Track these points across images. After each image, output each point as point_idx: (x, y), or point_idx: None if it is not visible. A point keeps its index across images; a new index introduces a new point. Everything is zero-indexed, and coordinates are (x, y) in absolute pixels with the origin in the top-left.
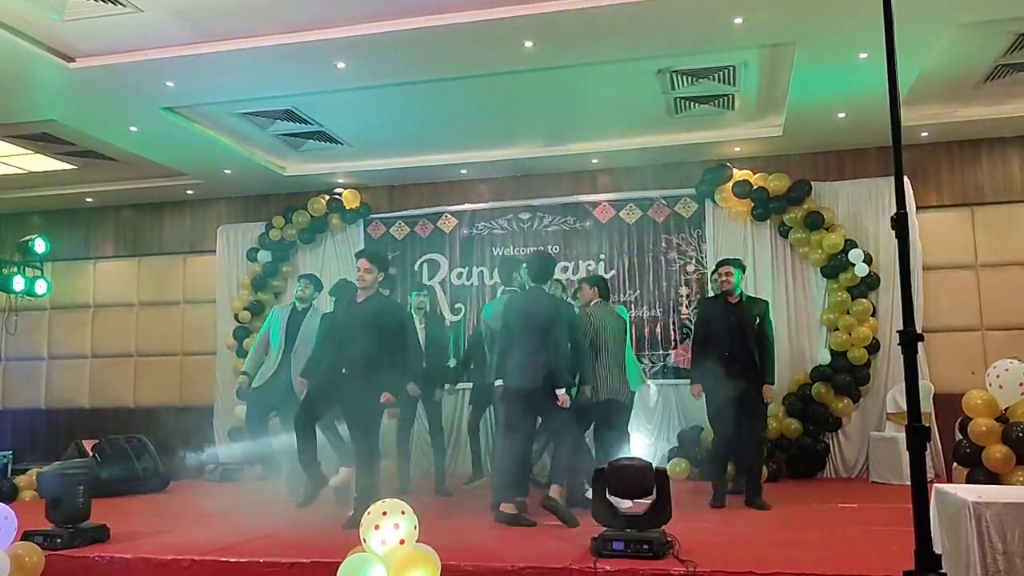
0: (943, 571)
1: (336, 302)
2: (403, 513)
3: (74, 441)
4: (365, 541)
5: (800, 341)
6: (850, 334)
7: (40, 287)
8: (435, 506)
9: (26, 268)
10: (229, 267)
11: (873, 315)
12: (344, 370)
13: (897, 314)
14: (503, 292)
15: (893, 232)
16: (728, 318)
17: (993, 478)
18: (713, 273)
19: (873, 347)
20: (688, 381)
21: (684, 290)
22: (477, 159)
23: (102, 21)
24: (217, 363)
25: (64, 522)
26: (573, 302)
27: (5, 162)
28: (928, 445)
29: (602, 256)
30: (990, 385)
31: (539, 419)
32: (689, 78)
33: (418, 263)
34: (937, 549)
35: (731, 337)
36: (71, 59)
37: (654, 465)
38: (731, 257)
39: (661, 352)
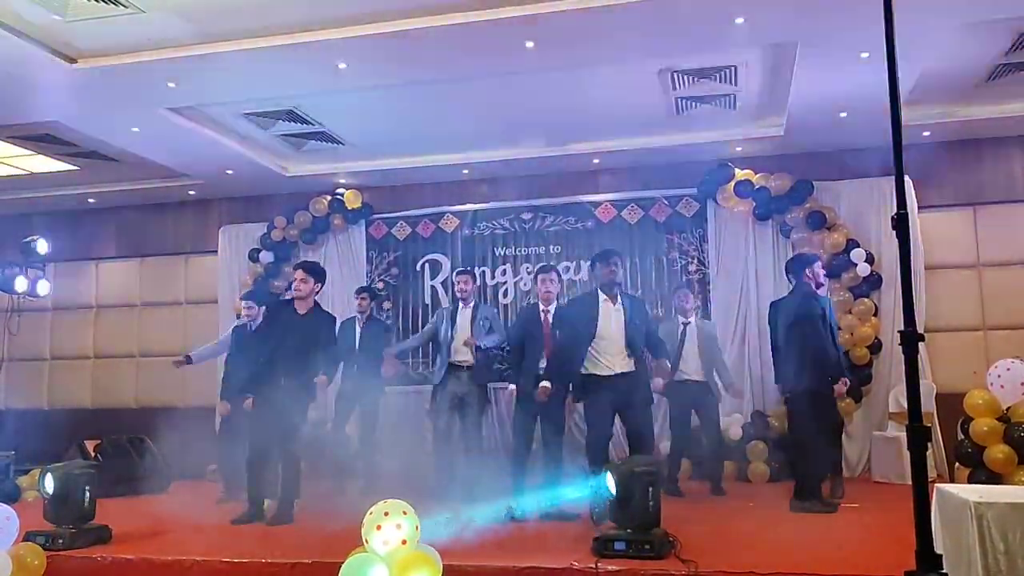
0: (944, 571)
1: (269, 315)
2: (405, 513)
3: (76, 442)
4: (367, 542)
5: None
6: (852, 334)
7: (42, 288)
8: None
9: (28, 269)
10: (231, 267)
11: (875, 315)
12: (283, 380)
13: (899, 314)
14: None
15: (894, 232)
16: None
17: (995, 478)
18: (806, 269)
19: (875, 347)
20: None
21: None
22: (479, 159)
23: (104, 22)
24: (219, 363)
25: (69, 522)
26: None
27: (7, 163)
28: (930, 445)
29: None
30: (991, 385)
31: None
32: (691, 78)
33: (420, 263)
34: (938, 549)
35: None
36: (73, 60)
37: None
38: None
39: None
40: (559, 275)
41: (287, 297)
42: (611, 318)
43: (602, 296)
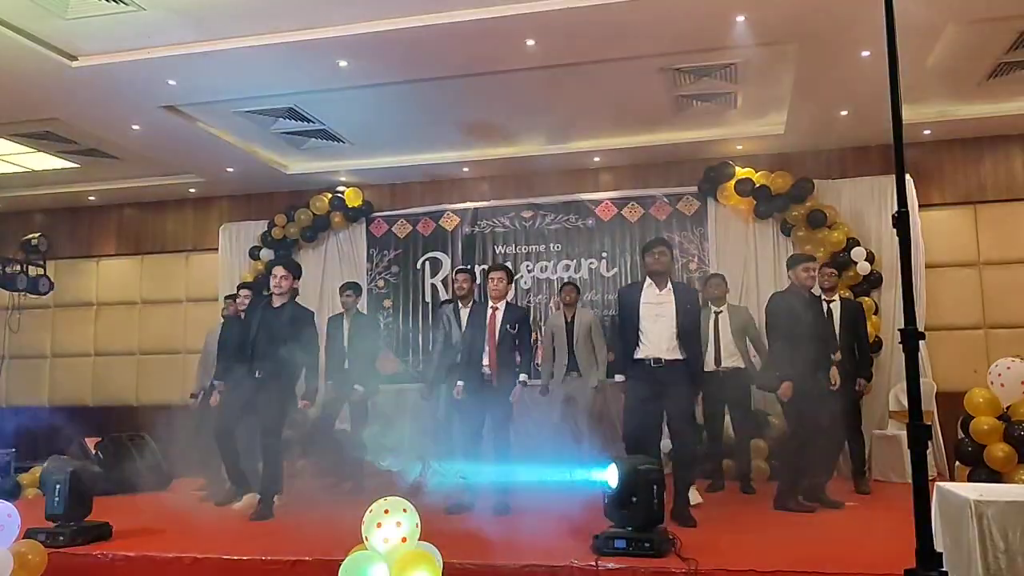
0: (944, 569)
1: (248, 308)
2: (405, 511)
3: (77, 439)
4: (367, 539)
5: None
6: None
7: (43, 285)
8: (436, 505)
9: (29, 266)
10: (231, 265)
11: (876, 313)
12: (257, 372)
13: (899, 312)
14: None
15: (895, 230)
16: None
17: (995, 476)
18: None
19: (875, 345)
20: None
21: None
22: (479, 157)
23: (104, 20)
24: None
25: (69, 519)
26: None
27: (8, 160)
28: (930, 443)
29: (604, 254)
30: (992, 383)
31: None
32: (691, 76)
33: (420, 261)
34: (938, 547)
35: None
36: (73, 57)
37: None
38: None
39: None
40: (509, 274)
41: (266, 293)
42: (655, 305)
43: (648, 282)
